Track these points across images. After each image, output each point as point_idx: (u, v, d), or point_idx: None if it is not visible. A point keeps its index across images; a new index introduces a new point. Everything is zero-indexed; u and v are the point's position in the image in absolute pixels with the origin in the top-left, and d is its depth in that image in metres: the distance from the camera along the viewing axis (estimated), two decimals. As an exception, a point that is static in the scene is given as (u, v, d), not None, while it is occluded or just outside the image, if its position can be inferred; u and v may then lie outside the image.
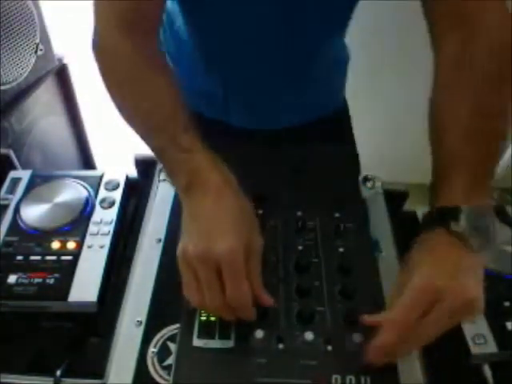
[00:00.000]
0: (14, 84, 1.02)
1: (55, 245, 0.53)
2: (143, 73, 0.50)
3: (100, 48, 0.52)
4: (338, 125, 0.82)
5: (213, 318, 0.44)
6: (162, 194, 0.60)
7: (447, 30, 0.49)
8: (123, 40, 0.50)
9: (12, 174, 0.63)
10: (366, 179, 0.63)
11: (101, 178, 0.62)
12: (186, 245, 0.42)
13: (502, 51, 0.47)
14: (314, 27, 0.61)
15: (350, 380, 0.40)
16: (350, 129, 0.85)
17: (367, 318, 0.42)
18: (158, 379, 0.43)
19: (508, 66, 0.47)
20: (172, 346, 0.44)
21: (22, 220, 0.56)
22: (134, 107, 0.51)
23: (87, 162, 1.39)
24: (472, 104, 0.46)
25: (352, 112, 0.85)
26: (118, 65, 0.51)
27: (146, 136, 0.50)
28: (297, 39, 0.62)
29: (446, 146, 0.47)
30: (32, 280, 0.50)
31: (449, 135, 0.47)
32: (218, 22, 0.61)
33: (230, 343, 0.43)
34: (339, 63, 0.77)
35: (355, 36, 0.75)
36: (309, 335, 0.43)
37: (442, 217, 0.44)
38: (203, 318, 0.44)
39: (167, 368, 0.43)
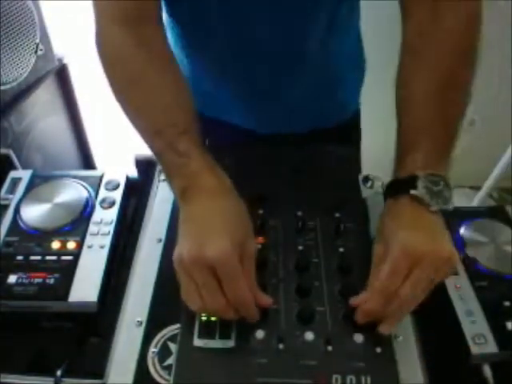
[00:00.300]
0: (14, 84, 1.02)
1: (55, 245, 0.53)
2: (147, 71, 0.50)
3: (103, 46, 0.51)
4: (347, 134, 0.80)
5: (213, 318, 0.44)
6: (162, 194, 0.60)
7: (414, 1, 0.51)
8: (126, 36, 0.49)
9: (12, 174, 0.62)
10: (365, 179, 0.63)
11: (101, 178, 0.62)
12: (181, 249, 0.42)
13: (472, 23, 0.49)
14: (300, 23, 0.60)
15: (351, 380, 0.40)
16: (358, 140, 0.84)
17: (353, 301, 0.44)
18: (158, 379, 0.43)
19: (476, 38, 0.49)
20: (172, 346, 0.44)
21: (22, 220, 0.56)
22: (136, 109, 0.51)
23: (87, 162, 1.39)
24: (438, 74, 0.49)
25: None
26: (121, 62, 0.51)
27: (146, 139, 0.50)
28: (289, 37, 0.61)
29: (410, 116, 0.50)
30: (32, 280, 0.50)
31: (413, 105, 0.50)
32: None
33: (230, 343, 0.43)
34: (351, 70, 0.75)
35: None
36: (309, 335, 0.43)
37: (403, 185, 0.47)
38: (204, 318, 0.44)
39: (168, 368, 0.43)
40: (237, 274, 0.40)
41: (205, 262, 0.40)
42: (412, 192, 0.46)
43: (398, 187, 0.48)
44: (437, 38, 0.49)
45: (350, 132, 0.81)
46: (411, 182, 0.46)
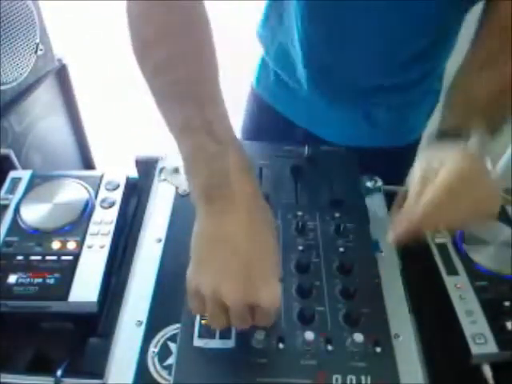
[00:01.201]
0: (14, 84, 1.02)
1: (55, 245, 0.53)
2: (180, 26, 0.42)
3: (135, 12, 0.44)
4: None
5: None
6: (162, 194, 0.60)
7: (493, 33, 0.52)
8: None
9: (12, 174, 0.62)
10: (366, 179, 0.63)
11: (101, 178, 0.62)
12: (219, 286, 0.36)
13: None
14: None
15: (351, 380, 0.40)
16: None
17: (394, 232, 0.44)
18: (158, 379, 0.43)
19: None
20: (172, 346, 0.44)
21: (22, 220, 0.56)
22: (166, 67, 0.42)
23: (87, 162, 1.39)
24: (500, 85, 0.50)
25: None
26: (151, 17, 0.43)
27: (170, 106, 0.42)
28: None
29: (472, 93, 0.51)
30: (32, 280, 0.50)
31: (477, 87, 0.51)
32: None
33: (230, 343, 0.43)
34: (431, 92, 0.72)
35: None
36: (309, 335, 0.43)
37: (455, 133, 0.47)
38: (204, 318, 0.44)
39: (168, 368, 0.43)
40: (275, 312, 0.39)
41: (253, 306, 0.37)
42: (470, 140, 0.46)
43: (447, 134, 0.48)
44: (500, 63, 0.51)
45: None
46: (466, 132, 0.46)
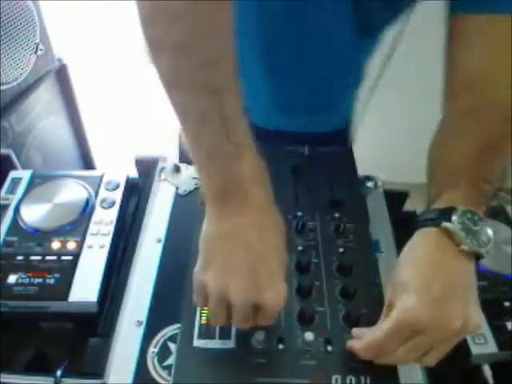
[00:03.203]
0: (14, 84, 1.02)
1: (55, 245, 0.53)
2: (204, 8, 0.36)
3: None
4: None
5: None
6: (162, 194, 0.60)
7: (460, 86, 0.49)
8: None
9: (12, 174, 0.62)
10: (366, 179, 0.63)
11: (101, 178, 0.62)
12: (226, 285, 0.37)
13: (507, 122, 0.46)
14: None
15: (350, 380, 0.40)
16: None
17: (350, 344, 0.41)
18: (158, 379, 0.43)
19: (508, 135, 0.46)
20: (172, 346, 0.44)
21: (22, 220, 0.56)
22: (185, 47, 0.36)
23: (87, 162, 1.39)
24: (480, 145, 0.46)
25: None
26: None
27: (185, 96, 0.38)
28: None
29: (451, 163, 0.47)
30: (32, 280, 0.50)
31: (450, 160, 0.47)
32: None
33: (230, 343, 0.43)
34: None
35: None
36: (309, 335, 0.43)
37: (437, 216, 0.43)
38: (204, 319, 0.44)
39: (167, 368, 0.43)
40: (278, 312, 0.40)
41: (258, 305, 0.37)
42: (444, 224, 0.41)
43: (431, 218, 0.43)
44: (481, 121, 0.47)
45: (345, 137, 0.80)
46: (447, 213, 0.42)
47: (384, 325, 0.39)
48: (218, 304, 0.38)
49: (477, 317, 0.39)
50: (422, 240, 0.43)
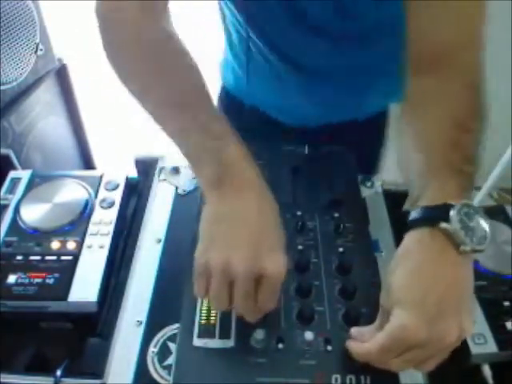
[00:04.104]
0: (14, 84, 1.02)
1: (55, 245, 0.53)
2: (167, 48, 0.46)
3: (111, 19, 0.48)
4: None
5: (213, 319, 0.44)
6: (162, 194, 0.60)
7: (423, 67, 0.48)
8: (142, 14, 0.45)
9: (12, 174, 0.63)
10: (365, 179, 0.63)
11: (101, 178, 0.62)
12: (228, 255, 0.38)
13: (475, 90, 0.46)
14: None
15: (350, 380, 0.40)
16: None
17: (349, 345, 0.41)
18: (158, 379, 0.43)
19: (480, 105, 0.46)
20: (172, 346, 0.45)
21: (21, 220, 0.56)
22: (156, 74, 0.45)
23: (87, 162, 1.39)
24: (451, 121, 0.44)
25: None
26: (137, 38, 0.46)
27: (165, 114, 0.45)
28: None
29: (427, 148, 0.45)
30: (32, 280, 0.50)
31: (432, 142, 0.45)
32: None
33: (230, 343, 0.43)
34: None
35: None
36: (309, 335, 0.43)
37: (432, 216, 0.40)
38: (203, 318, 0.44)
39: (167, 368, 0.43)
40: (280, 286, 0.40)
41: (259, 275, 0.38)
42: (444, 226, 0.38)
43: (425, 218, 0.40)
44: (448, 96, 0.46)
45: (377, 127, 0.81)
46: (443, 211, 0.39)
47: (379, 339, 0.38)
48: (221, 282, 0.39)
49: (470, 322, 0.38)
50: (417, 245, 0.40)
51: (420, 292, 0.38)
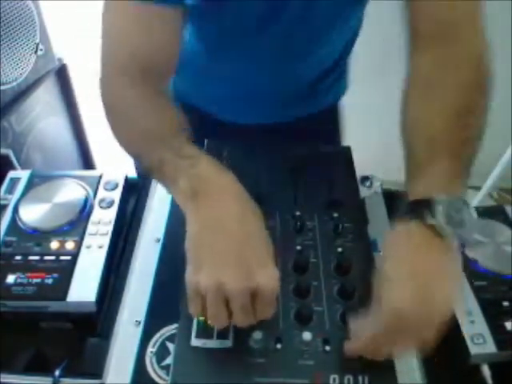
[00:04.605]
0: (14, 84, 1.02)
1: (54, 245, 0.53)
2: (146, 107, 0.51)
3: (107, 91, 0.53)
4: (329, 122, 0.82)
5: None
6: (161, 194, 0.60)
7: (426, 40, 0.49)
8: (133, 87, 0.50)
9: (11, 174, 0.63)
10: (364, 179, 0.62)
11: (100, 178, 0.62)
12: (219, 277, 0.37)
13: (478, 63, 0.48)
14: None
15: (348, 380, 0.40)
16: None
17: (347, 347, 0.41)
18: (156, 379, 0.43)
19: (483, 76, 0.48)
20: (170, 346, 0.45)
21: (21, 220, 0.56)
22: (132, 128, 0.51)
23: (87, 162, 1.39)
24: (454, 101, 0.46)
25: (351, 110, 0.85)
26: (122, 107, 0.52)
27: (144, 150, 0.49)
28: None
29: (423, 137, 0.46)
30: (31, 280, 0.50)
31: (427, 126, 0.46)
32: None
33: (228, 343, 0.43)
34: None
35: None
36: (307, 335, 0.43)
37: (418, 209, 0.41)
38: (202, 319, 0.44)
39: (166, 368, 0.43)
40: (275, 297, 0.40)
41: (253, 291, 0.38)
42: (430, 221, 0.40)
43: (411, 211, 0.42)
44: (452, 71, 0.48)
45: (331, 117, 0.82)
46: (428, 205, 0.40)
47: (374, 326, 0.39)
48: (216, 302, 0.38)
49: (458, 300, 0.40)
50: (405, 236, 0.42)
51: (409, 276, 0.39)
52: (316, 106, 0.77)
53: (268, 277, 0.38)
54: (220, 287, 0.38)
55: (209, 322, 0.40)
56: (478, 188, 1.66)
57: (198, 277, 0.39)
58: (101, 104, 0.53)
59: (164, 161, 0.46)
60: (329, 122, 0.82)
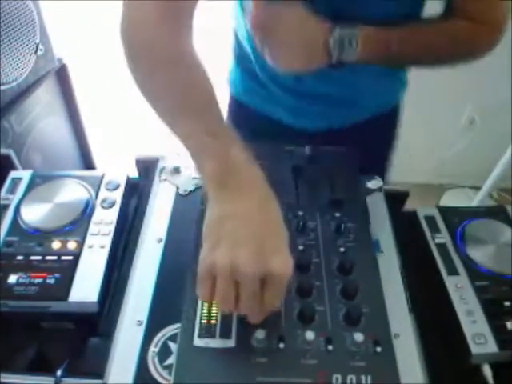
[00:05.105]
0: (14, 84, 1.02)
1: (56, 245, 0.53)
2: (182, 59, 0.48)
3: (132, 28, 0.49)
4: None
5: (213, 318, 0.44)
6: (163, 194, 0.60)
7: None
8: (161, 25, 0.47)
9: (12, 174, 0.62)
10: (366, 179, 0.63)
11: (101, 178, 0.62)
12: (235, 255, 0.38)
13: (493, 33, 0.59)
14: None
15: (351, 379, 0.40)
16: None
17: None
18: (158, 379, 0.43)
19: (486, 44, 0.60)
20: (173, 346, 0.44)
21: (22, 220, 0.56)
22: (168, 86, 0.47)
23: (87, 162, 1.39)
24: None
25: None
26: (153, 47, 0.48)
27: (175, 117, 0.47)
28: None
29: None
30: (32, 280, 0.50)
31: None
32: None
33: (230, 343, 0.43)
34: None
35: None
36: (310, 335, 0.43)
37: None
38: (204, 318, 0.44)
39: (168, 368, 0.43)
40: (285, 285, 0.40)
41: (266, 275, 0.38)
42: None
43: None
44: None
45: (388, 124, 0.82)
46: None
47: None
48: (227, 283, 0.39)
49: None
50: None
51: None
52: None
53: (281, 263, 0.39)
54: (234, 268, 0.38)
55: (214, 304, 0.41)
56: (478, 188, 1.66)
57: (213, 255, 0.39)
58: (127, 48, 0.49)
59: (196, 135, 0.45)
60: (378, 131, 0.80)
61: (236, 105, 0.82)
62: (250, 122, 0.79)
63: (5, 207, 0.58)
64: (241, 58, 0.75)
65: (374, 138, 0.74)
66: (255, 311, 0.40)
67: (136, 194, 0.65)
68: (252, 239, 0.40)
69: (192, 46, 0.49)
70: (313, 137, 0.73)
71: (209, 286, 0.40)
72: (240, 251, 0.39)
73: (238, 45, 0.74)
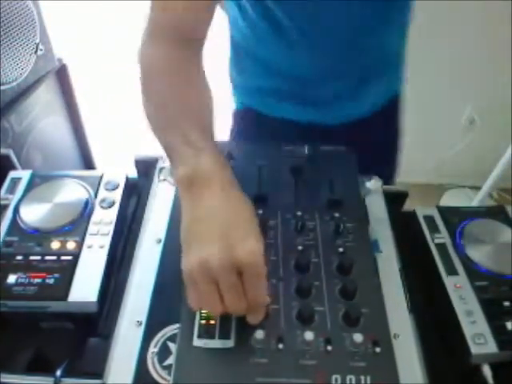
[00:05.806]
0: (14, 84, 1.02)
1: (55, 245, 0.53)
2: (181, 81, 0.51)
3: (144, 54, 0.53)
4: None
5: (213, 319, 0.44)
6: (162, 194, 0.60)
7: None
8: (171, 50, 0.51)
9: (12, 174, 0.62)
10: (365, 179, 0.63)
11: (101, 178, 0.62)
12: (204, 253, 0.39)
13: None
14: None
15: (350, 380, 0.40)
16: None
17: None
18: (158, 379, 0.43)
19: None
20: (172, 346, 0.44)
21: (21, 220, 0.56)
22: (158, 103, 0.51)
23: (87, 162, 1.39)
24: None
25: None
26: (157, 72, 0.52)
27: (160, 130, 0.50)
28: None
29: None
30: (32, 280, 0.50)
31: None
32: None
33: (230, 343, 0.43)
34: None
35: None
36: (309, 335, 0.43)
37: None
38: (203, 318, 0.44)
39: (167, 368, 0.43)
40: (263, 275, 0.40)
41: (236, 265, 0.39)
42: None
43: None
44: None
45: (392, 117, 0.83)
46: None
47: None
48: (206, 284, 0.39)
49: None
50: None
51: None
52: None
53: (248, 249, 0.39)
54: (203, 264, 0.39)
55: (204, 310, 0.41)
56: (478, 188, 1.66)
57: (187, 263, 0.40)
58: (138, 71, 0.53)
59: (171, 146, 0.47)
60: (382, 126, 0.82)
61: (242, 111, 0.83)
62: (258, 124, 0.81)
63: (4, 207, 0.58)
64: (239, 61, 0.76)
65: (379, 136, 0.75)
66: (242, 307, 0.40)
67: (135, 193, 0.65)
68: (217, 233, 0.40)
69: (201, 70, 0.53)
70: (321, 133, 0.74)
71: (195, 293, 0.41)
72: (206, 249, 0.39)
73: (235, 50, 0.75)
